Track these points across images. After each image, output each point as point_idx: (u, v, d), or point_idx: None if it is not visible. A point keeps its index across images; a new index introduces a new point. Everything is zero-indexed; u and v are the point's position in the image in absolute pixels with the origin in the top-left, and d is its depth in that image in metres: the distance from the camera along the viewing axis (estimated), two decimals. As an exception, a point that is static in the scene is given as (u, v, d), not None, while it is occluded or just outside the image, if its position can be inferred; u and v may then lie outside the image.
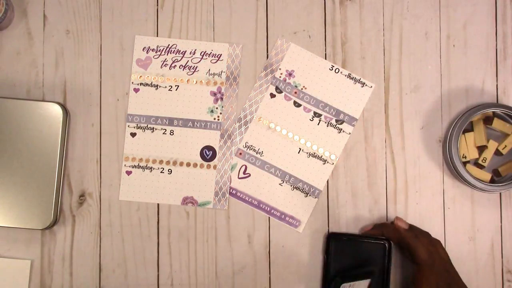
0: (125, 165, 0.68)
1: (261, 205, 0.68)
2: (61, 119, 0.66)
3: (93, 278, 0.67)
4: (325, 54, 0.69)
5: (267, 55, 0.69)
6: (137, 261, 0.68)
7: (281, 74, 0.69)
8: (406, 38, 0.70)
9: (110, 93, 0.69)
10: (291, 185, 0.68)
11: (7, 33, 0.69)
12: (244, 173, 0.68)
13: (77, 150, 0.68)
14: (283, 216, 0.68)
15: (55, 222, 0.66)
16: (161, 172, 0.68)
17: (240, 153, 0.68)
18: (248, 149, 0.68)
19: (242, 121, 0.68)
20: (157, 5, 0.69)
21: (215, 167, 0.68)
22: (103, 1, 0.69)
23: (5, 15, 0.66)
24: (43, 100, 0.67)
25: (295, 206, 0.68)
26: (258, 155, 0.68)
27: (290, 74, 0.69)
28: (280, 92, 0.69)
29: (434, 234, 0.68)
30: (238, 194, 0.68)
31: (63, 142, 0.66)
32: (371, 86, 0.69)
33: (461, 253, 0.68)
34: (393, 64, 0.69)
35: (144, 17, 0.69)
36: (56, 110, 0.66)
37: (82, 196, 0.68)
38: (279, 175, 0.68)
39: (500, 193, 0.69)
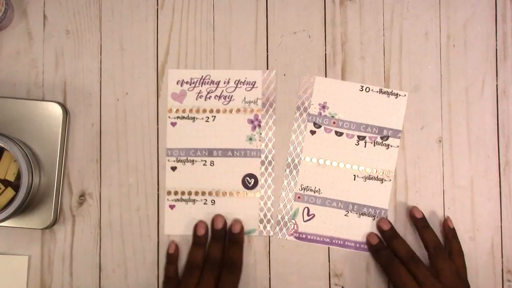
0: (167, 199, 0.68)
1: (334, 241, 0.68)
2: (61, 118, 0.66)
3: (93, 278, 0.67)
4: (325, 54, 0.69)
5: (267, 54, 0.69)
6: (137, 261, 0.68)
7: (315, 108, 0.68)
8: (406, 38, 0.70)
9: (110, 93, 0.69)
10: (356, 213, 0.68)
11: (7, 33, 0.69)
12: (308, 215, 0.68)
13: (77, 150, 0.68)
14: (358, 245, 0.68)
15: (55, 222, 0.66)
16: (204, 203, 0.68)
17: (299, 197, 0.68)
18: (305, 191, 0.68)
19: (291, 166, 0.68)
20: (157, 5, 0.69)
21: (258, 194, 0.68)
22: (103, 1, 0.69)
23: (5, 15, 0.66)
24: (43, 100, 0.67)
25: (366, 232, 0.68)
26: (316, 194, 0.68)
27: (323, 107, 0.68)
28: (319, 126, 0.68)
29: (434, 234, 0.68)
30: (309, 237, 0.68)
31: (63, 142, 0.66)
32: (405, 95, 0.68)
33: (461, 253, 0.68)
34: (393, 64, 0.70)
35: (144, 17, 0.69)
36: (56, 110, 0.66)
37: (82, 196, 0.68)
38: (342, 207, 0.68)
39: (500, 193, 0.69)
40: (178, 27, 0.69)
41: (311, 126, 0.68)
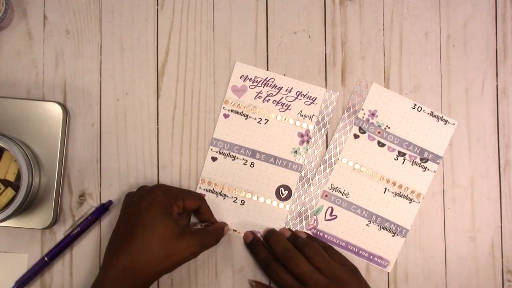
0: (199, 187, 0.68)
1: (349, 247, 0.68)
2: (61, 118, 0.66)
3: (93, 278, 0.67)
4: (325, 54, 0.69)
5: (267, 54, 0.69)
6: (137, 261, 0.68)
7: (364, 114, 0.68)
8: (406, 38, 0.70)
9: (110, 93, 0.69)
10: (378, 225, 0.68)
11: (7, 33, 0.69)
12: (330, 215, 0.68)
13: (77, 150, 0.68)
14: (371, 257, 0.68)
15: (55, 222, 0.66)
16: (233, 201, 0.68)
17: (326, 195, 0.68)
18: (334, 191, 0.68)
19: (327, 163, 0.68)
20: (157, 5, 0.70)
21: (287, 207, 0.68)
22: (103, 1, 0.69)
23: (5, 15, 0.66)
24: (43, 100, 0.67)
25: (383, 246, 0.68)
26: (344, 197, 0.68)
27: (373, 114, 0.68)
28: (364, 132, 0.68)
29: (434, 234, 0.68)
30: (326, 236, 0.68)
31: (63, 142, 0.66)
32: (454, 124, 0.68)
33: (461, 253, 0.68)
34: (393, 64, 0.70)
35: (144, 17, 0.69)
36: (56, 110, 0.66)
37: (82, 196, 0.68)
38: (365, 215, 0.68)
39: (500, 193, 0.69)
40: (178, 27, 0.69)
41: (355, 130, 0.68)
